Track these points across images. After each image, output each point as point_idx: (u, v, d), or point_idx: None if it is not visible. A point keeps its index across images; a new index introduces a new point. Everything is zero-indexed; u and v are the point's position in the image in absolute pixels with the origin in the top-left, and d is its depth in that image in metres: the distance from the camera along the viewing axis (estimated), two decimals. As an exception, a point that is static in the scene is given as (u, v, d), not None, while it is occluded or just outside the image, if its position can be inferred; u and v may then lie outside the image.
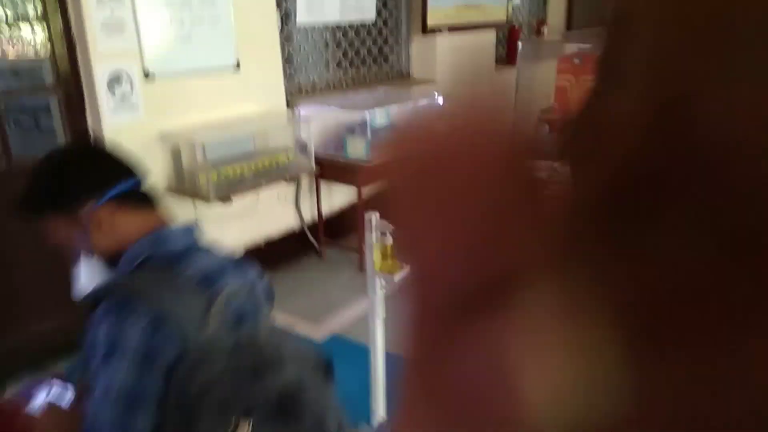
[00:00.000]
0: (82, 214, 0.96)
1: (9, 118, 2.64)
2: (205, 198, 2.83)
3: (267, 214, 3.34)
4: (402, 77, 4.55)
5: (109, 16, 2.66)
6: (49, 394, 1.11)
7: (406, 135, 0.10)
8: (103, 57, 2.68)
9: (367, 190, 3.55)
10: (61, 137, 2.79)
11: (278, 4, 3.39)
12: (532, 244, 0.09)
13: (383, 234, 1.85)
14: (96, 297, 0.90)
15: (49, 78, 2.72)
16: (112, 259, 0.98)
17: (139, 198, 1.01)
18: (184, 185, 2.88)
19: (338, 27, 4.01)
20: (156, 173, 2.94)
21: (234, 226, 3.11)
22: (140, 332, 0.85)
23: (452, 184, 0.09)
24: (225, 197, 2.85)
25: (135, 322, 0.85)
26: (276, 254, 3.34)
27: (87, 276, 1.02)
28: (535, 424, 0.09)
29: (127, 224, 0.97)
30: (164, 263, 0.94)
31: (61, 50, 2.65)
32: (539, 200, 0.09)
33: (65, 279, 2.79)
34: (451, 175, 0.09)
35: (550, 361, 0.09)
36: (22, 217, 1.03)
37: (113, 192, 0.97)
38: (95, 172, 1.00)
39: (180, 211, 3.03)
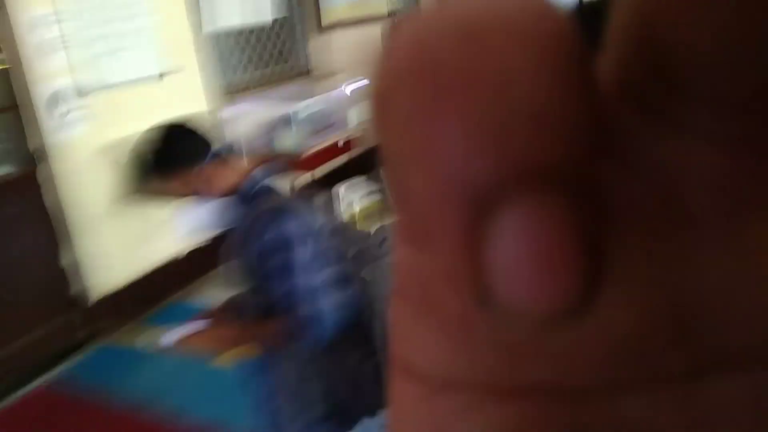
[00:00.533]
0: (198, 170, 1.30)
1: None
2: (156, 202, 3.00)
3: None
4: (304, 74, 4.84)
5: (41, 40, 2.75)
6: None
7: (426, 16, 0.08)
8: (39, 79, 2.77)
9: (301, 179, 3.84)
10: (8, 159, 2.83)
11: (192, 14, 3.57)
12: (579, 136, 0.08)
13: (370, 194, 2.22)
14: (245, 219, 1.29)
15: None
16: (215, 198, 1.34)
17: (225, 155, 1.36)
18: (142, 190, 3.03)
19: (240, 32, 4.23)
20: (104, 184, 3.07)
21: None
22: (311, 217, 1.29)
23: (494, 67, 0.07)
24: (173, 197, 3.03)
25: (306, 214, 1.28)
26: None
27: (196, 218, 1.40)
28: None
29: (229, 174, 1.33)
30: (270, 189, 1.34)
31: (10, 74, 2.71)
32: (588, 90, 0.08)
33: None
34: (494, 57, 0.07)
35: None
36: (144, 180, 1.36)
37: (214, 151, 1.33)
38: (199, 139, 1.35)
39: (134, 214, 3.17)
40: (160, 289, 3.41)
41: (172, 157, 1.32)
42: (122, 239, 3.22)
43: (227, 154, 1.37)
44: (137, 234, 3.26)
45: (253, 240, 1.27)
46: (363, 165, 4.50)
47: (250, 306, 1.36)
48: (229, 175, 1.32)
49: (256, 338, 1.36)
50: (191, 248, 3.48)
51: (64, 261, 3.05)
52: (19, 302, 2.86)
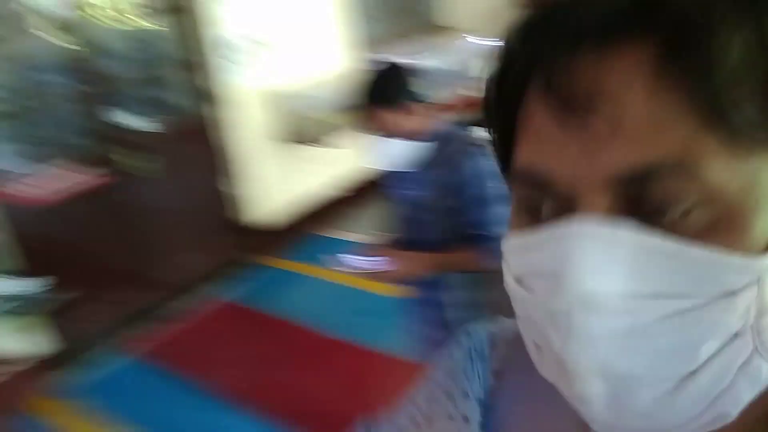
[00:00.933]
0: (405, 107, 1.48)
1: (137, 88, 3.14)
2: (312, 142, 3.43)
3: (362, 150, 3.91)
4: (431, 29, 5.02)
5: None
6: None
7: None
8: (213, 30, 3.18)
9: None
10: (187, 100, 3.30)
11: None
12: None
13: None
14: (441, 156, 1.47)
15: (176, 51, 3.23)
16: (414, 137, 1.49)
17: (424, 98, 1.53)
18: (293, 132, 3.47)
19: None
20: (268, 123, 3.48)
21: (337, 162, 3.69)
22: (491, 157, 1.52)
23: None
24: (322, 140, 3.41)
25: (488, 154, 1.33)
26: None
27: (391, 151, 1.53)
28: None
29: (427, 114, 1.51)
30: (456, 131, 1.51)
31: (186, 25, 3.15)
32: None
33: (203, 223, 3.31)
34: None
35: None
36: (362, 109, 1.52)
37: (417, 93, 1.50)
38: (406, 81, 1.52)
39: (289, 153, 3.59)
40: (310, 221, 3.84)
41: (383, 94, 1.49)
42: (278, 175, 3.65)
43: (425, 97, 1.54)
44: (291, 171, 3.68)
45: (452, 173, 1.43)
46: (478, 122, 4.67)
47: (432, 234, 1.50)
48: (427, 116, 1.49)
49: (445, 263, 1.50)
50: (340, 185, 3.85)
51: (227, 191, 3.52)
52: (189, 225, 3.36)
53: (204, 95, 3.29)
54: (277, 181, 3.65)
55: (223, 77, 3.27)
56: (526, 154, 0.31)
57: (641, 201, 0.28)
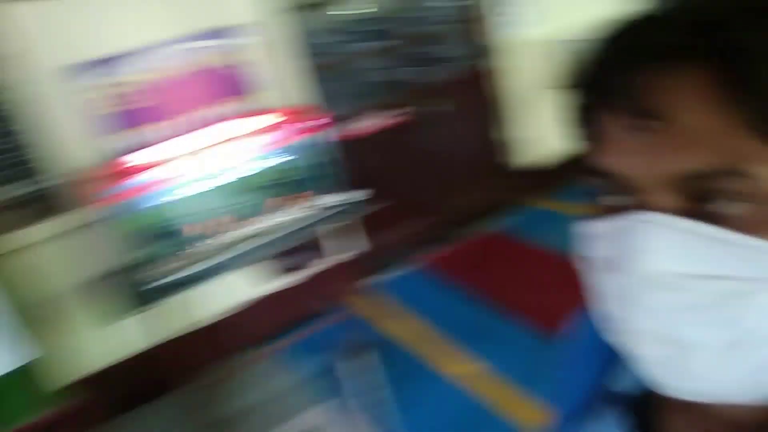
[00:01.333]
0: None
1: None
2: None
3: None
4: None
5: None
6: None
7: None
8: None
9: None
10: (466, 52, 3.62)
11: None
12: None
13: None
14: None
15: (455, 7, 3.54)
16: None
17: None
18: (566, 77, 3.59)
19: None
20: (543, 70, 3.67)
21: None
22: None
23: None
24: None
25: None
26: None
27: None
28: None
29: None
30: None
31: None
32: None
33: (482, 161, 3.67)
34: None
35: None
36: None
37: None
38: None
39: (561, 98, 3.74)
40: (572, 165, 3.95)
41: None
42: (549, 120, 3.77)
43: None
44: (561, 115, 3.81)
45: None
46: None
47: None
48: None
49: None
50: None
51: (501, 136, 3.81)
52: (461, 167, 3.73)
53: (481, 46, 3.56)
54: (548, 126, 3.82)
55: (499, 28, 3.49)
56: (602, 156, 0.37)
57: (699, 198, 0.33)
